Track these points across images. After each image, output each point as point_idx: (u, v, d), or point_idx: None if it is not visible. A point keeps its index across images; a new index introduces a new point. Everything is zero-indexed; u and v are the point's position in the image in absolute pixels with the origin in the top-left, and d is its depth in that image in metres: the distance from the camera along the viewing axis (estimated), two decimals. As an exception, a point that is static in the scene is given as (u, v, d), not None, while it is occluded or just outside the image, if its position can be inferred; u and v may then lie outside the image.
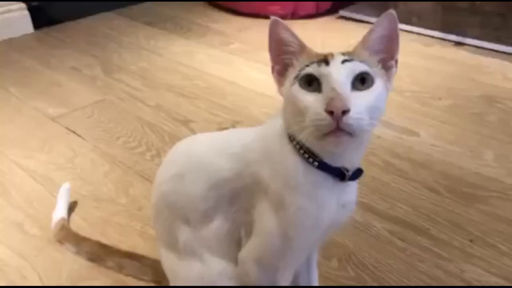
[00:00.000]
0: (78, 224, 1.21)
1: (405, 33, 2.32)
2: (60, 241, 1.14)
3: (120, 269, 1.07)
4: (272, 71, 0.71)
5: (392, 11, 0.67)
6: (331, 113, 0.60)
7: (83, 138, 1.58)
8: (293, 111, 0.66)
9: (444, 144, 1.51)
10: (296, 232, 0.71)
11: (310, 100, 0.63)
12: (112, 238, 1.17)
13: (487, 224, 1.19)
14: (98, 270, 1.08)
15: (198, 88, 1.89)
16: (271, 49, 0.70)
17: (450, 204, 1.26)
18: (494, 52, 2.09)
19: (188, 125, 1.64)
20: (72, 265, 1.09)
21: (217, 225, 0.79)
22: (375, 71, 0.66)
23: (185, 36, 2.39)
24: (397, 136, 1.55)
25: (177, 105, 1.77)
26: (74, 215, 1.24)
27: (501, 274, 1.05)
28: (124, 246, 1.13)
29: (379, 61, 0.68)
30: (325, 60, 0.65)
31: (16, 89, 1.90)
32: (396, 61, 0.70)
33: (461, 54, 2.12)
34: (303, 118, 0.64)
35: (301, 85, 0.65)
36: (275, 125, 0.73)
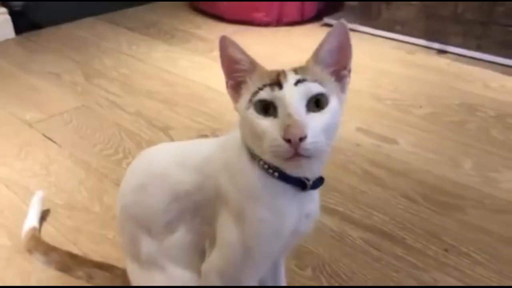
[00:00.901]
0: (50, 233, 1.19)
1: (388, 40, 2.33)
2: (30, 251, 1.12)
3: (89, 279, 1.05)
4: (227, 86, 0.70)
5: (343, 21, 0.66)
6: (288, 140, 0.60)
7: (59, 145, 1.56)
8: (251, 134, 0.66)
9: (422, 152, 1.51)
10: (256, 242, 0.71)
11: (267, 126, 0.63)
12: (84, 247, 1.15)
13: (463, 234, 1.19)
14: (67, 280, 1.06)
15: (179, 94, 1.88)
16: (223, 66, 0.69)
17: (426, 213, 1.26)
18: (475, 60, 2.10)
19: (167, 132, 1.63)
20: (41, 275, 1.07)
21: (180, 236, 0.78)
22: (329, 88, 0.65)
23: (168, 42, 2.38)
24: (376, 144, 1.55)
25: (157, 111, 1.75)
26: (46, 224, 1.22)
27: (474, 283, 1.05)
28: (96, 255, 1.11)
29: (332, 73, 0.67)
30: (278, 82, 0.64)
31: (-7, 94, 1.88)
32: (349, 71, 0.69)
33: (443, 62, 2.13)
34: (261, 143, 0.63)
35: (256, 110, 0.64)
36: (235, 137, 0.73)
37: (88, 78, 2.01)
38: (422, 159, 1.48)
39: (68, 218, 1.25)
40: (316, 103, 0.63)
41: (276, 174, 0.68)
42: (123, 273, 1.00)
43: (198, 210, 0.76)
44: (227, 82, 0.70)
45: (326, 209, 1.26)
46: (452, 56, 2.17)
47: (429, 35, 2.25)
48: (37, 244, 1.12)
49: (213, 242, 0.76)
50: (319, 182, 0.72)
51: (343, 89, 0.69)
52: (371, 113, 1.73)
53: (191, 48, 2.30)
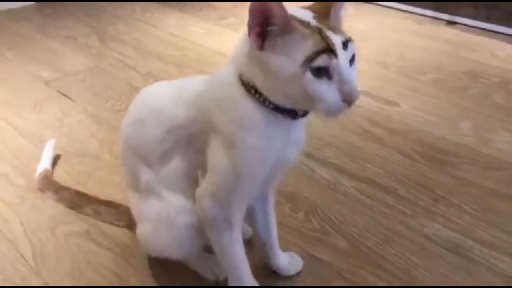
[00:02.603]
0: (61, 176, 1.27)
1: (398, 11, 2.34)
2: (42, 190, 1.20)
3: (96, 215, 1.13)
4: (250, 32, 0.69)
5: None
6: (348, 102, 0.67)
7: (74, 101, 1.64)
8: (298, 94, 0.69)
9: (423, 114, 1.55)
10: (246, 167, 0.76)
11: (325, 90, 0.67)
12: (92, 189, 1.22)
13: (454, 187, 1.23)
14: (76, 216, 1.14)
15: (188, 58, 1.93)
16: (253, 15, 0.67)
17: (421, 168, 1.30)
18: (484, 31, 2.11)
19: (176, 92, 1.69)
20: (52, 211, 1.15)
21: (175, 165, 0.84)
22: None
23: (182, 10, 2.43)
24: (378, 106, 1.59)
25: (167, 72, 1.81)
26: (58, 168, 1.30)
27: (459, 230, 1.09)
28: (103, 196, 1.18)
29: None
30: (331, 49, 0.67)
31: (12, 54, 1.96)
32: None
33: (452, 32, 2.14)
34: (311, 103, 0.69)
35: (314, 74, 0.67)
36: (226, 73, 0.77)
37: (102, 41, 2.08)
38: (422, 120, 1.51)
39: (79, 163, 1.32)
40: (352, 57, 0.69)
41: (271, 105, 0.73)
42: (127, 210, 1.07)
43: (192, 141, 0.82)
44: (251, 28, 0.68)
45: (322, 162, 1.32)
46: (460, 26, 2.18)
47: (439, 6, 2.26)
48: (48, 183, 1.20)
49: (205, 171, 0.81)
50: (307, 111, 0.76)
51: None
52: (376, 79, 1.76)
53: (202, 16, 2.34)
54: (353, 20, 2.24)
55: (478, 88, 1.70)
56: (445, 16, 2.23)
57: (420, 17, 2.29)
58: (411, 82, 1.75)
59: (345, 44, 0.68)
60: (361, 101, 1.57)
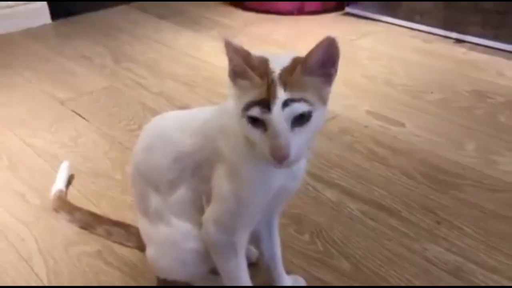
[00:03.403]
0: (75, 196, 1.31)
1: (406, 29, 2.37)
2: (56, 210, 1.25)
3: (108, 236, 1.17)
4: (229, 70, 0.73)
5: (332, 37, 0.69)
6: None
7: (88, 121, 1.69)
8: (243, 133, 0.73)
9: (427, 134, 1.57)
10: (248, 196, 0.80)
11: (257, 138, 0.70)
12: (104, 209, 1.27)
13: (457, 209, 1.25)
14: (88, 236, 1.18)
15: (200, 77, 1.98)
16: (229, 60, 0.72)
17: (424, 190, 1.32)
18: (492, 50, 2.13)
19: (186, 111, 1.73)
20: (66, 231, 1.20)
21: (182, 193, 0.89)
22: (315, 98, 0.69)
23: (194, 29, 2.49)
24: (384, 126, 1.61)
25: (178, 92, 1.87)
26: (71, 187, 1.35)
27: (461, 253, 1.11)
28: (114, 216, 1.22)
29: (319, 75, 0.71)
30: (267, 103, 0.68)
31: (29, 74, 2.04)
32: (336, 70, 0.72)
33: (460, 51, 2.16)
34: (252, 144, 0.72)
35: (250, 122, 0.70)
36: (230, 105, 0.80)
37: (117, 61, 2.14)
38: (426, 141, 1.54)
39: (92, 183, 1.37)
40: (301, 118, 0.69)
41: None
42: (137, 231, 1.11)
43: (197, 170, 0.86)
44: (228, 64, 0.73)
45: (328, 183, 1.35)
46: (469, 45, 2.20)
47: (447, 25, 2.28)
48: (63, 204, 1.25)
49: (209, 199, 0.86)
50: None
51: (330, 83, 0.73)
52: (382, 98, 1.79)
53: (214, 35, 2.40)
54: (361, 38, 2.28)
55: (483, 108, 1.72)
56: (454, 35, 2.25)
57: (428, 35, 2.31)
58: (416, 102, 1.77)
59: (286, 103, 0.67)
60: (367, 121, 1.63)
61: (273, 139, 0.68)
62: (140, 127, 1.64)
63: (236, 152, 0.80)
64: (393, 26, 2.41)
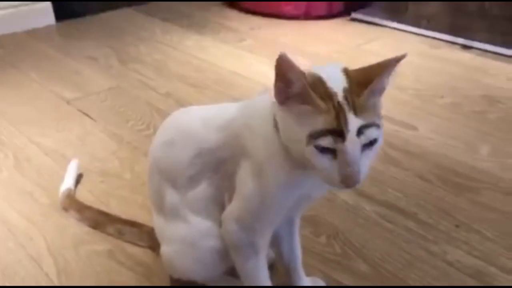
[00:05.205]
0: (84, 195, 1.28)
1: (413, 35, 2.36)
2: (65, 209, 1.22)
3: (119, 235, 1.14)
4: (275, 86, 0.68)
5: (396, 58, 0.69)
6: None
7: (95, 120, 1.66)
8: (300, 157, 0.68)
9: (441, 138, 1.55)
10: (271, 198, 0.77)
11: (326, 166, 0.66)
12: (114, 209, 1.23)
13: (475, 212, 1.23)
14: (99, 236, 1.15)
15: (208, 79, 1.96)
16: (278, 78, 0.67)
17: (440, 192, 1.30)
18: (500, 56, 2.12)
19: (195, 113, 1.71)
20: (75, 230, 1.17)
21: (202, 190, 0.85)
22: (379, 120, 0.67)
23: (200, 32, 2.47)
24: (396, 130, 1.60)
25: (186, 93, 1.84)
26: (80, 187, 1.32)
27: (482, 256, 1.09)
28: (125, 216, 1.19)
29: (379, 93, 0.69)
30: (340, 132, 0.64)
31: (35, 73, 2.01)
32: (389, 81, 0.71)
33: (467, 56, 2.16)
34: (314, 170, 0.68)
35: (317, 149, 0.65)
36: (260, 104, 0.78)
37: (123, 62, 2.12)
38: (440, 144, 1.52)
39: (100, 183, 1.34)
40: (371, 143, 0.66)
41: None
42: (150, 230, 1.08)
43: (220, 166, 0.83)
44: (275, 79, 0.68)
45: (343, 185, 1.32)
46: (476, 51, 2.19)
47: (455, 30, 2.27)
48: (72, 202, 1.22)
49: (231, 196, 0.82)
50: None
51: (381, 95, 0.70)
52: (393, 102, 1.77)
53: (221, 38, 2.38)
54: (368, 43, 2.27)
55: (495, 113, 1.70)
56: (461, 40, 2.25)
57: (435, 41, 2.31)
58: (428, 106, 1.76)
59: (360, 130, 0.64)
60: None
61: (344, 167, 0.64)
62: (148, 127, 1.63)
63: (264, 154, 0.76)
64: (400, 31, 2.40)
